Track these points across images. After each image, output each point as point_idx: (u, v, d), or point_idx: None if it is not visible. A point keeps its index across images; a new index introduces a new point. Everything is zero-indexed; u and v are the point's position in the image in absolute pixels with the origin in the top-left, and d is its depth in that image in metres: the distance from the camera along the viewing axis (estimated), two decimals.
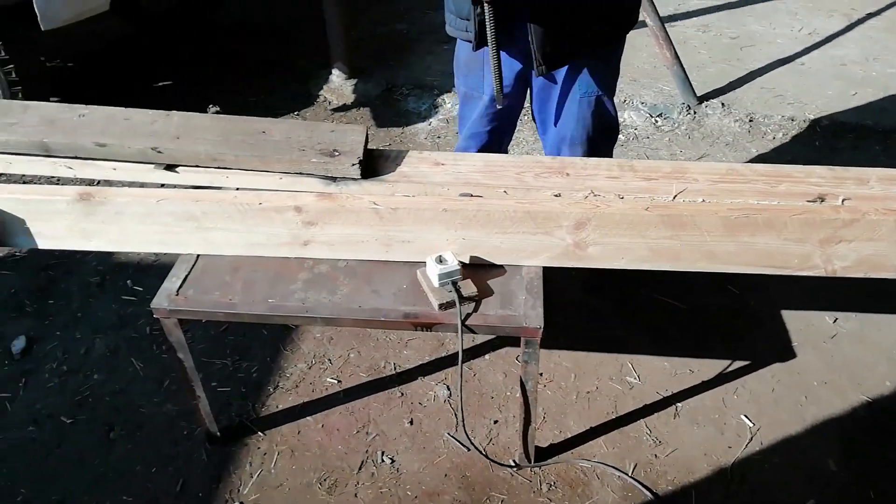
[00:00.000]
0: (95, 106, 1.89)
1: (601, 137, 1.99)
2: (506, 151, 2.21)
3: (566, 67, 1.86)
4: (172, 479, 1.84)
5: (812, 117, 3.14)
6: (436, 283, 1.52)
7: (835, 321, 2.19)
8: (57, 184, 2.21)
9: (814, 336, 2.15)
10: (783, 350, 2.11)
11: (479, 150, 2.07)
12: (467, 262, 1.59)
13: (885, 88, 3.35)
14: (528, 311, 1.50)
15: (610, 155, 2.09)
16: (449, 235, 1.56)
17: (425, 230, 1.56)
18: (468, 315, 1.51)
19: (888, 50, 3.70)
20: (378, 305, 1.55)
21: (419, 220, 1.54)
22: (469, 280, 1.54)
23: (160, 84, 3.74)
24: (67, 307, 2.38)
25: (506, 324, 1.49)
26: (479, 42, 1.75)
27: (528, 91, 2.02)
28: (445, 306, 1.50)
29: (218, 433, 1.90)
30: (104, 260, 2.57)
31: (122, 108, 1.90)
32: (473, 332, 1.52)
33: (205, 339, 2.23)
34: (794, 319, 2.20)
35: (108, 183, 1.86)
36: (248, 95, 3.59)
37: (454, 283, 1.52)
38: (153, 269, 2.53)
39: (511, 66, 1.88)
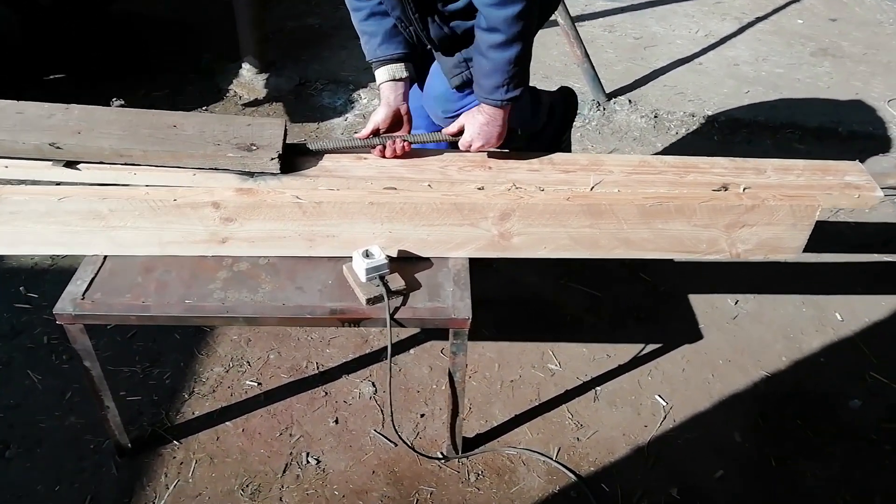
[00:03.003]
0: None
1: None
2: None
3: None
4: (79, 497, 1.72)
5: (710, 113, 3.33)
6: (363, 277, 1.50)
7: (736, 303, 2.34)
8: None
9: (718, 318, 2.28)
10: (691, 332, 2.23)
11: None
12: (395, 255, 1.58)
13: (774, 87, 3.60)
14: (457, 303, 1.50)
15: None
16: (375, 229, 1.54)
17: (351, 224, 1.53)
18: (396, 309, 1.49)
19: (775, 52, 3.99)
20: (303, 302, 1.51)
21: (344, 214, 1.51)
22: (397, 274, 1.53)
23: (52, 77, 3.48)
24: None
25: (435, 316, 1.49)
26: None
27: None
28: (373, 301, 1.48)
29: (129, 444, 1.79)
30: None
31: (14, 101, 1.76)
32: (402, 325, 1.51)
33: (111, 346, 2.10)
34: (701, 303, 2.33)
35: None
36: (153, 90, 3.40)
37: (381, 278, 1.50)
38: (49, 275, 2.35)
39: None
